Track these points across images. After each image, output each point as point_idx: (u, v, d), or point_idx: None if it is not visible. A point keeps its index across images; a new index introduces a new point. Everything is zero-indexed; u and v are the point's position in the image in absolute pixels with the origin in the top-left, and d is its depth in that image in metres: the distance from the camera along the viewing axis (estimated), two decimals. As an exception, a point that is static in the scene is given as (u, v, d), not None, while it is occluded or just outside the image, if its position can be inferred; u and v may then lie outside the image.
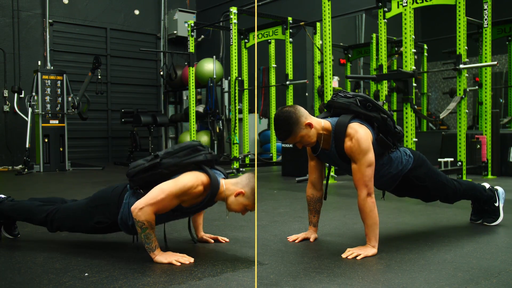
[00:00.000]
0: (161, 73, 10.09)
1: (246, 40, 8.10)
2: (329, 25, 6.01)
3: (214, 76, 9.15)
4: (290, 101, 7.71)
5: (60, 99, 8.40)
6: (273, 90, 8.12)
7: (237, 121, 7.59)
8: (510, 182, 5.47)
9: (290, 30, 7.61)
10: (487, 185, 3.04)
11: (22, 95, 8.83)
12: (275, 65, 8.16)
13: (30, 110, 8.14)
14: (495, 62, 5.49)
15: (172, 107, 11.41)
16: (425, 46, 9.23)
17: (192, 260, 2.30)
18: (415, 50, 5.44)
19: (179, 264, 2.24)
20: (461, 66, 5.52)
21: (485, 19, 6.10)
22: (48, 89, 8.28)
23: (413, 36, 5.28)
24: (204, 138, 9.48)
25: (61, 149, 8.36)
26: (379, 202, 2.50)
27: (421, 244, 2.61)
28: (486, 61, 5.99)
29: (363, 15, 9.80)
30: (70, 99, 8.46)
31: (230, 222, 3.34)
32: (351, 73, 9.05)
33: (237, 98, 7.59)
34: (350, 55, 8.93)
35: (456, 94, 5.65)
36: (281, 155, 7.12)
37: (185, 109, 10.32)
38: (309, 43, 9.00)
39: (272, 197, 4.64)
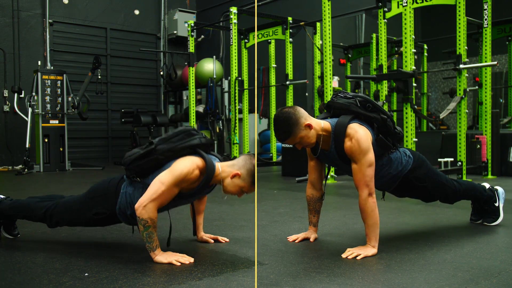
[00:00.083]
0: (161, 73, 10.10)
1: (246, 40, 8.11)
2: (329, 25, 6.01)
3: (214, 76, 9.15)
4: (290, 101, 7.72)
5: (60, 99, 8.40)
6: (273, 90, 8.12)
7: (237, 121, 7.59)
8: (510, 182, 5.47)
9: (290, 30, 7.61)
10: (487, 185, 3.04)
11: (22, 95, 8.84)
12: (275, 65, 8.16)
13: (30, 110, 8.14)
14: (495, 62, 5.49)
15: (172, 107, 11.41)
16: (425, 46, 9.23)
17: (192, 260, 2.30)
18: (415, 50, 5.44)
19: (179, 264, 2.24)
20: (461, 66, 5.52)
21: (485, 19, 6.10)
22: (48, 89, 8.28)
23: (413, 36, 5.28)
24: (204, 138, 9.46)
25: (61, 149, 8.36)
26: (379, 202, 2.50)
27: (421, 244, 2.61)
28: (486, 61, 5.99)
29: (363, 15, 9.80)
30: (70, 99, 8.46)
31: (230, 222, 3.34)
32: (351, 73, 9.05)
33: (237, 98, 7.59)
34: (350, 55, 8.93)
35: (456, 94, 5.65)
36: (281, 155, 7.12)
37: (185, 109, 10.32)
38: (309, 43, 9.00)
39: (272, 197, 4.63)
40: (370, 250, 2.39)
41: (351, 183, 5.46)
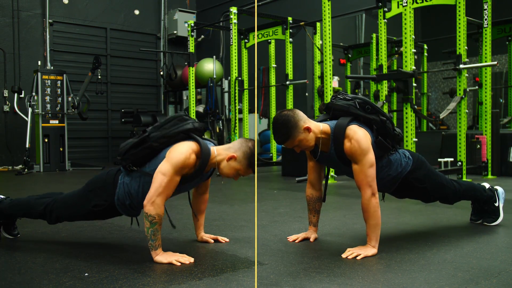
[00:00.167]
0: (161, 73, 10.10)
1: (246, 40, 8.11)
2: (329, 25, 6.01)
3: (214, 76, 9.15)
4: (290, 101, 7.72)
5: (60, 99, 8.40)
6: (273, 90, 8.12)
7: (237, 121, 7.59)
8: (510, 182, 5.47)
9: (290, 30, 7.61)
10: (487, 185, 3.04)
11: (22, 95, 8.84)
12: (275, 65, 8.16)
13: (30, 110, 8.14)
14: (495, 62, 5.49)
15: (172, 107, 11.41)
16: (425, 46, 9.23)
17: (192, 260, 2.30)
18: (415, 50, 5.44)
19: (179, 264, 2.24)
20: (461, 66, 5.52)
21: (485, 19, 6.10)
22: (48, 89, 8.28)
23: (413, 36, 5.28)
24: (204, 138, 9.47)
25: (61, 149, 8.36)
26: (379, 202, 2.50)
27: (421, 244, 2.61)
28: (486, 61, 5.99)
29: (363, 15, 9.80)
30: (70, 99, 8.46)
31: (230, 222, 3.34)
32: (351, 73, 9.05)
33: (237, 98, 7.59)
34: (350, 55, 8.93)
35: (456, 94, 5.65)
36: (281, 155, 7.12)
37: (185, 109, 10.32)
38: (309, 43, 9.00)
39: (272, 197, 4.64)
40: (370, 250, 2.39)
41: (351, 183, 5.46)
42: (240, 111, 8.23)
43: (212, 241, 2.72)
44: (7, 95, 9.28)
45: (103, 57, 10.36)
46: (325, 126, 2.48)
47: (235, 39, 7.20)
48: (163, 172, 2.23)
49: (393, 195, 2.79)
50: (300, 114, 2.44)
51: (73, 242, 2.78)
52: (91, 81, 8.68)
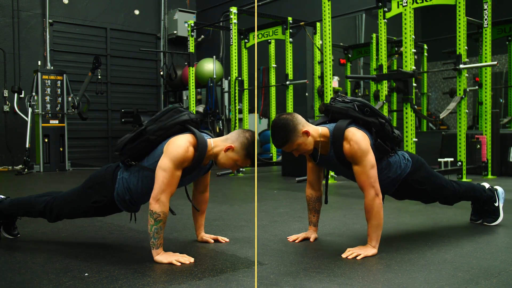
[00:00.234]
0: (161, 73, 10.10)
1: (246, 40, 8.11)
2: (329, 25, 6.00)
3: (214, 76, 9.15)
4: (290, 101, 7.72)
5: (60, 99, 8.40)
6: (273, 90, 8.12)
7: (237, 121, 7.59)
8: (510, 182, 5.47)
9: (290, 30, 7.61)
10: (486, 185, 3.04)
11: (22, 95, 8.84)
12: (275, 65, 8.16)
13: (30, 110, 8.14)
14: (495, 62, 5.49)
15: (172, 107, 11.40)
16: (425, 46, 9.23)
17: (192, 260, 2.29)
18: (415, 50, 5.45)
19: (179, 264, 2.24)
20: (461, 66, 5.52)
21: (485, 19, 6.10)
22: (48, 89, 8.28)
23: (413, 36, 5.28)
24: (204, 138, 9.47)
25: (61, 149, 8.37)
26: (379, 202, 2.50)
27: (421, 244, 2.61)
28: (486, 61, 5.99)
29: (363, 15, 9.80)
30: (70, 99, 8.46)
31: (230, 222, 3.34)
32: (351, 73, 9.05)
33: (237, 98, 7.59)
34: (350, 55, 8.93)
35: (456, 94, 5.65)
36: (281, 155, 7.12)
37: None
38: (309, 43, 9.00)
39: (272, 197, 4.63)
40: (370, 250, 2.39)
41: (351, 183, 5.46)
42: (240, 111, 8.23)
43: (212, 241, 2.72)
44: (7, 95, 9.28)
45: (103, 57, 10.35)
46: (324, 129, 2.48)
47: (235, 39, 7.20)
48: (164, 168, 2.23)
49: (393, 196, 2.79)
50: (299, 118, 2.44)
51: (73, 242, 2.78)
52: (91, 81, 8.68)
